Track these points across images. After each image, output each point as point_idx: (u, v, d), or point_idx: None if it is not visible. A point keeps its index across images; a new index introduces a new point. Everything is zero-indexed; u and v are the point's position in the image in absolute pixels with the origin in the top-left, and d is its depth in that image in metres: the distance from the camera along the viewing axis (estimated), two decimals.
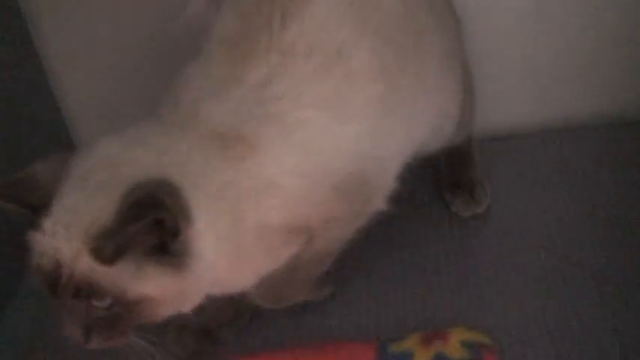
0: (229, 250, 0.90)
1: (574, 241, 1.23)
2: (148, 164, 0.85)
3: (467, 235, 1.29)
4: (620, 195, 1.31)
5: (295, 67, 0.92)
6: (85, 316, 0.83)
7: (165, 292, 0.84)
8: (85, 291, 0.81)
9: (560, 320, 1.09)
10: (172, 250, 0.83)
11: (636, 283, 1.12)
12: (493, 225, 1.31)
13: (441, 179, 1.38)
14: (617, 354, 1.02)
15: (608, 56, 1.48)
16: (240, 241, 0.91)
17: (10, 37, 1.42)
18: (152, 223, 0.79)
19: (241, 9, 0.98)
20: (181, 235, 0.83)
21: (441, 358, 0.99)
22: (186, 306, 0.92)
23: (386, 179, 1.05)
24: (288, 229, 0.96)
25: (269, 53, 0.92)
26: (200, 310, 1.11)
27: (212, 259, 0.88)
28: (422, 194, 1.39)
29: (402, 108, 1.02)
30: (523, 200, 1.34)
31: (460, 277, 1.20)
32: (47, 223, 0.82)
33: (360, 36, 0.96)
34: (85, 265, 0.80)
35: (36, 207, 0.83)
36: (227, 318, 1.15)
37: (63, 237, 0.81)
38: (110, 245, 0.78)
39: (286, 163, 0.91)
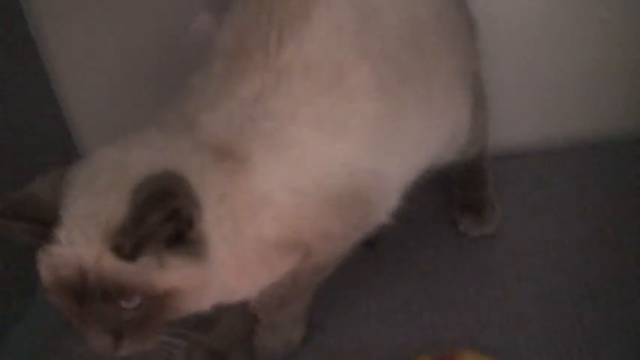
0: (230, 255, 0.90)
1: (583, 262, 1.22)
2: (151, 162, 0.85)
3: (475, 255, 1.29)
4: (629, 215, 1.30)
5: (290, 87, 0.92)
6: (115, 321, 0.82)
7: (189, 281, 0.84)
8: (114, 292, 0.80)
9: (570, 342, 1.08)
10: (189, 240, 0.83)
11: None
12: (502, 245, 1.30)
13: (451, 196, 1.38)
14: None
15: (616, 75, 1.48)
16: (239, 251, 0.91)
17: (16, 47, 1.43)
18: (168, 214, 0.78)
19: (240, 23, 0.99)
20: (196, 225, 0.83)
21: None
22: (209, 299, 0.91)
23: (388, 196, 1.04)
24: (285, 244, 0.96)
25: (264, 71, 0.93)
26: (210, 329, 1.13)
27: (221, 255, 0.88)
28: (431, 212, 1.38)
29: (405, 126, 1.02)
30: (532, 220, 1.34)
31: (469, 299, 1.19)
32: (61, 234, 0.81)
33: (360, 56, 0.96)
34: (109, 265, 0.80)
35: (43, 222, 0.82)
36: (238, 338, 1.15)
37: (81, 242, 0.80)
38: (129, 240, 0.78)
39: (278, 179, 0.91)
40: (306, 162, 0.93)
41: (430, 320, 1.16)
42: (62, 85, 1.56)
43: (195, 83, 0.99)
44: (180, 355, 1.11)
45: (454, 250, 1.30)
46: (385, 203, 1.04)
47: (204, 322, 1.02)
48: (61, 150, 1.56)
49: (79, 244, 0.80)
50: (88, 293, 0.81)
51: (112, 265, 0.80)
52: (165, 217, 0.79)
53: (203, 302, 0.90)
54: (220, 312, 1.02)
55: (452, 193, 1.38)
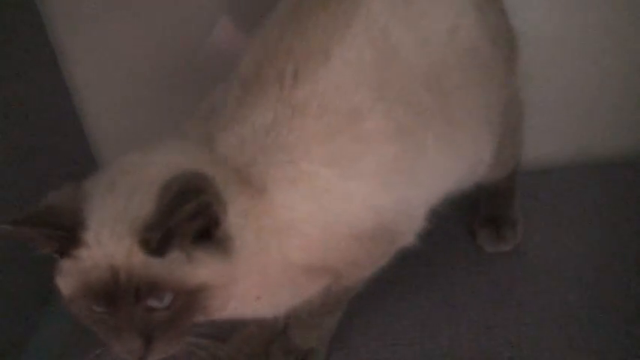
0: (254, 263, 0.89)
1: (602, 281, 1.21)
2: (176, 165, 0.85)
3: (494, 271, 1.28)
4: None
5: (304, 124, 0.92)
6: (145, 322, 0.82)
7: (217, 277, 0.84)
8: (145, 289, 0.80)
9: None
10: (216, 238, 0.84)
11: None
12: (520, 261, 1.29)
13: (473, 211, 1.37)
14: None
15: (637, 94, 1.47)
16: (264, 269, 0.91)
17: (34, 53, 1.46)
18: (195, 210, 0.79)
19: (260, 51, 0.97)
20: (222, 222, 0.84)
21: None
22: (237, 301, 0.90)
23: (412, 221, 1.03)
24: (313, 269, 0.96)
25: (277, 103, 0.92)
26: (226, 342, 1.12)
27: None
28: (451, 227, 1.37)
29: (425, 163, 1.00)
30: (551, 237, 1.33)
31: (487, 316, 1.18)
32: (89, 236, 0.81)
33: (377, 99, 0.94)
34: (139, 261, 0.80)
35: (67, 228, 0.81)
36: (254, 351, 1.14)
37: (111, 241, 0.80)
38: (158, 234, 0.78)
39: (300, 211, 0.91)
40: (323, 198, 0.92)
41: (447, 338, 1.15)
42: (80, 93, 1.59)
43: (216, 100, 0.99)
44: None
45: (472, 265, 1.30)
46: (410, 228, 1.03)
47: (220, 334, 1.01)
48: (79, 158, 1.58)
49: (109, 243, 0.80)
50: (119, 293, 0.81)
51: (142, 260, 0.80)
52: (193, 212, 0.79)
53: (230, 303, 0.89)
54: (237, 324, 1.02)
55: (476, 205, 1.37)
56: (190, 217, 0.79)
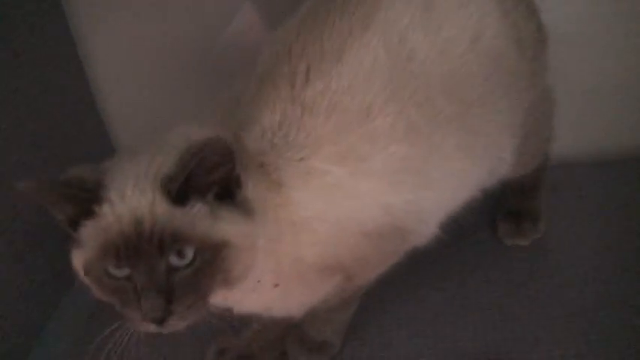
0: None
1: (620, 277, 1.19)
2: (199, 134, 0.85)
3: (511, 265, 1.27)
4: None
5: (314, 123, 0.92)
6: (167, 280, 0.82)
7: (240, 237, 0.84)
8: (169, 241, 0.81)
9: (609, 356, 1.05)
10: (239, 201, 0.85)
11: None
12: (539, 256, 1.28)
13: (493, 206, 1.35)
14: None
15: None
16: (278, 259, 0.91)
17: (56, 48, 1.48)
18: (214, 162, 0.80)
19: (277, 51, 0.98)
20: (243, 185, 0.85)
21: None
22: (257, 288, 0.91)
23: (424, 224, 1.03)
24: (323, 267, 0.96)
25: (286, 102, 0.93)
26: (240, 332, 1.13)
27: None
28: (470, 220, 1.36)
29: (440, 165, 1.00)
30: (570, 232, 1.31)
31: (503, 310, 1.17)
32: (112, 193, 0.82)
33: (389, 99, 0.94)
34: (163, 211, 0.81)
35: (89, 189, 0.82)
36: (268, 343, 1.15)
37: (134, 195, 0.82)
38: (177, 183, 0.80)
39: (315, 208, 0.92)
40: (333, 195, 0.93)
41: (463, 331, 1.15)
42: (101, 87, 1.61)
43: (238, 91, 1.00)
44: (211, 355, 1.13)
45: (489, 258, 1.29)
46: (422, 230, 1.03)
47: (234, 327, 1.01)
48: (98, 152, 1.59)
49: (132, 196, 0.82)
50: (142, 247, 0.81)
51: (165, 211, 0.81)
52: (212, 164, 0.80)
53: (250, 268, 0.88)
54: (251, 316, 1.02)
55: (500, 197, 1.34)
56: (210, 168, 0.81)
